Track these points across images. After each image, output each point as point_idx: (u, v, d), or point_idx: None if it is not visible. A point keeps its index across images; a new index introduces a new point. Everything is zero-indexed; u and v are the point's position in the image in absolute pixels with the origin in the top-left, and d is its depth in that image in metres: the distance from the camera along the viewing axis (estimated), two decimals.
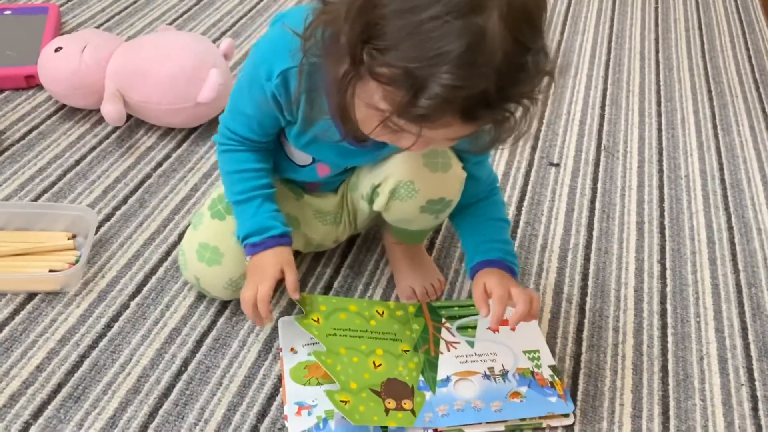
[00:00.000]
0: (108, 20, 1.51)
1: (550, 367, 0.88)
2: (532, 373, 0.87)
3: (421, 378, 0.85)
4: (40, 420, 0.80)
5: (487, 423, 0.82)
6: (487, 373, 0.87)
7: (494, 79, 0.59)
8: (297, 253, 1.00)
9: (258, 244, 0.84)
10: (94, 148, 1.18)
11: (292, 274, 0.84)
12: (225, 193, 0.88)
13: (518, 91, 0.62)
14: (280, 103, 0.79)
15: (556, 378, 0.87)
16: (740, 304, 1.04)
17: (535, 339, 0.92)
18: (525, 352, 0.90)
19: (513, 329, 0.83)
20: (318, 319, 0.88)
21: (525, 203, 1.18)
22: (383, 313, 0.92)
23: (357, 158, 0.86)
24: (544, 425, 0.84)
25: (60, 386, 0.83)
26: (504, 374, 0.87)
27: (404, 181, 0.83)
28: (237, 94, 0.84)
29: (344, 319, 0.89)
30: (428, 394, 0.84)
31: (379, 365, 0.85)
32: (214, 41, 1.45)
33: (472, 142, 0.71)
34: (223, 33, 1.52)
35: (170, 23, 1.52)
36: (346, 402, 0.79)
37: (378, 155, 0.85)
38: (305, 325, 0.86)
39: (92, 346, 0.88)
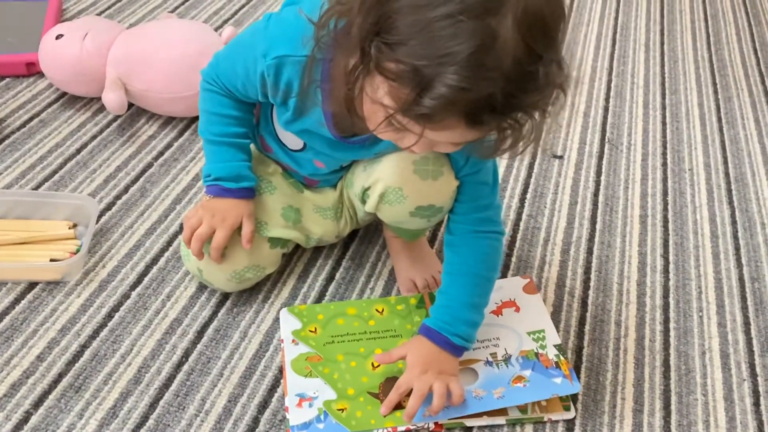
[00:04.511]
0: (109, 7, 1.50)
1: (555, 346, 0.87)
2: (536, 354, 0.86)
3: None
4: (41, 410, 0.80)
5: (488, 416, 0.82)
6: (489, 359, 0.86)
7: (501, 85, 0.58)
8: (298, 248, 1.00)
9: (229, 190, 0.86)
10: (95, 137, 1.18)
11: (250, 226, 0.86)
12: (199, 126, 0.88)
13: (526, 101, 0.61)
14: (265, 83, 0.78)
15: (561, 357, 0.86)
16: (743, 299, 1.03)
17: (541, 318, 0.90)
18: (529, 333, 0.88)
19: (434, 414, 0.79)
20: (315, 329, 0.88)
21: (528, 195, 1.17)
22: (383, 310, 0.92)
23: (348, 153, 0.85)
24: (545, 419, 0.83)
25: (61, 376, 0.83)
26: (507, 359, 0.86)
27: (393, 187, 0.82)
28: (235, 47, 0.84)
29: (342, 325, 0.89)
30: None
31: (378, 366, 0.85)
32: (215, 29, 1.44)
33: (476, 147, 0.70)
34: (225, 21, 1.51)
35: (172, 11, 1.51)
36: (342, 410, 0.80)
37: (369, 152, 0.84)
38: (302, 339, 0.87)
39: (93, 336, 0.88)
